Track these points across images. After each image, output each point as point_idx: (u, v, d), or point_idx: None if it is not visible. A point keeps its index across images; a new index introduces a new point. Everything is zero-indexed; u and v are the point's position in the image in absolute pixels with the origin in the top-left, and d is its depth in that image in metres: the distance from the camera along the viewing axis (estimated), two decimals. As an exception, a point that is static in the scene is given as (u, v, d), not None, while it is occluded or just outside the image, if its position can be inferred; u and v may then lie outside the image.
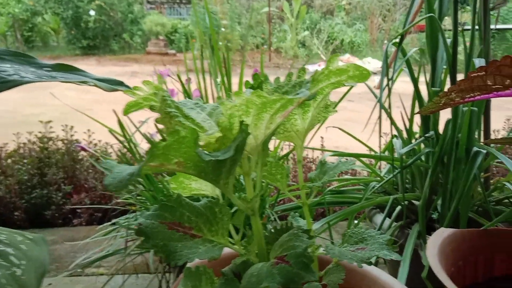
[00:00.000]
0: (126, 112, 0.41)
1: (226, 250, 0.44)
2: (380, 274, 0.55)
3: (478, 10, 0.93)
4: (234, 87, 0.97)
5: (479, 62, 0.83)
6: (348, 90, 1.08)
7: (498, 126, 2.19)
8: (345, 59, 10.20)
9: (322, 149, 1.38)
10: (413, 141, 0.99)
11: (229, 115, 0.31)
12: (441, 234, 0.68)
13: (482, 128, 0.96)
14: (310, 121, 0.46)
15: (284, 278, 0.31)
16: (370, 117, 0.93)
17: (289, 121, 0.45)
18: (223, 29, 11.89)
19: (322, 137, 1.96)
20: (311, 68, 10.26)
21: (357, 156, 1.08)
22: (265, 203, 0.99)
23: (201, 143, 0.34)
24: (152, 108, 0.36)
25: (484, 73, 0.49)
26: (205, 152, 0.29)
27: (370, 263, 0.40)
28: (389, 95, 0.93)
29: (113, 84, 0.66)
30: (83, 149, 1.28)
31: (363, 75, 0.30)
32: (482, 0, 0.91)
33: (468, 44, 0.93)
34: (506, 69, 0.49)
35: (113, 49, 11.76)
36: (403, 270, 0.74)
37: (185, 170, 0.32)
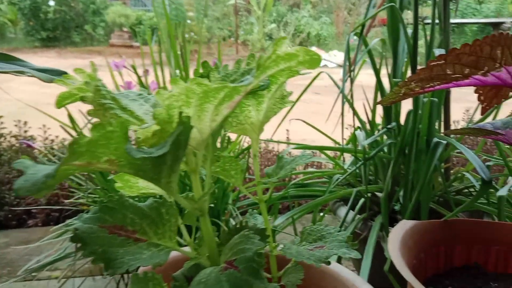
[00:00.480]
0: (59, 104, 0.37)
1: (179, 252, 0.41)
2: (341, 270, 0.53)
3: (438, 1, 0.93)
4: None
5: (439, 52, 0.83)
6: (312, 81, 1.06)
7: (458, 117, 2.25)
8: (311, 52, 10.26)
9: (287, 142, 1.37)
10: (376, 132, 0.98)
11: (167, 106, 0.28)
12: (403, 226, 0.67)
13: (442, 119, 0.97)
14: (265, 113, 0.43)
15: (232, 285, 0.29)
16: (333, 109, 0.91)
17: (242, 113, 0.42)
18: (189, 21, 11.70)
19: (287, 130, 1.94)
20: (279, 61, 10.25)
21: (321, 148, 1.07)
22: (227, 199, 0.96)
23: (139, 138, 0.31)
24: (83, 99, 0.32)
25: (443, 61, 0.48)
26: (138, 148, 0.26)
27: (328, 263, 0.38)
28: (351, 87, 0.91)
29: (55, 75, 0.60)
30: (29, 146, 1.20)
31: (314, 60, 0.28)
32: (442, -9, 0.91)
33: (429, 37, 0.92)
34: (465, 57, 0.48)
35: (74, 41, 11.34)
36: (366, 263, 0.73)
37: (119, 168, 0.28)
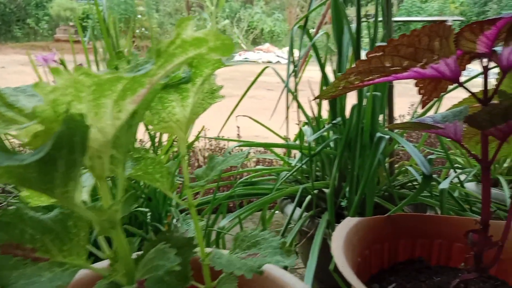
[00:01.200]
0: None
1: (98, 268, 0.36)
2: (283, 274, 0.50)
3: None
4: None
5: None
6: (257, 77, 1.03)
7: (403, 111, 2.32)
8: (265, 48, 10.29)
9: (235, 140, 1.33)
10: (322, 128, 0.97)
11: (52, 101, 0.23)
12: (347, 224, 0.65)
13: (387, 113, 0.97)
14: (192, 108, 0.39)
15: (139, 311, 0.24)
16: (277, 105, 0.89)
17: (165, 110, 0.38)
18: (139, 16, 11.38)
19: (238, 127, 1.91)
20: (232, 57, 10.20)
21: (266, 146, 1.04)
22: (170, 200, 0.91)
23: (23, 140, 0.26)
24: (-45, 94, 0.26)
25: (381, 53, 0.46)
26: (5, 153, 0.21)
27: (260, 273, 0.35)
28: (297, 81, 0.89)
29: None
30: None
31: (226, 46, 0.24)
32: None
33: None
34: (404, 49, 0.46)
35: (16, 36, 10.69)
36: (311, 263, 0.71)
37: (-6, 178, 0.23)
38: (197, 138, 0.93)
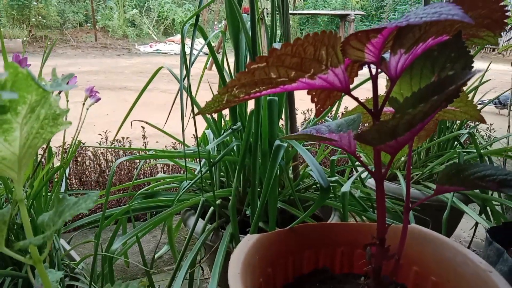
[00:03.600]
0: None
1: None
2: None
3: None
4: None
5: (279, 46, 0.78)
6: (153, 75, 0.93)
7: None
8: (176, 40, 10.00)
9: (126, 148, 1.22)
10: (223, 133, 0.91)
11: None
12: (247, 243, 0.61)
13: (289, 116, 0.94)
14: (24, 142, 0.30)
15: None
16: (174, 103, 0.81)
17: (-21, 148, 0.29)
18: (35, 3, 10.37)
19: (143, 127, 1.78)
20: (143, 48, 9.77)
21: (160, 156, 0.96)
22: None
23: None
24: None
25: (265, 64, 0.41)
26: None
27: None
28: (200, 80, 0.82)
29: None
30: None
31: None
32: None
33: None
34: (289, 59, 0.41)
35: None
36: (212, 283, 0.65)
37: None
38: (72, 151, 0.82)
